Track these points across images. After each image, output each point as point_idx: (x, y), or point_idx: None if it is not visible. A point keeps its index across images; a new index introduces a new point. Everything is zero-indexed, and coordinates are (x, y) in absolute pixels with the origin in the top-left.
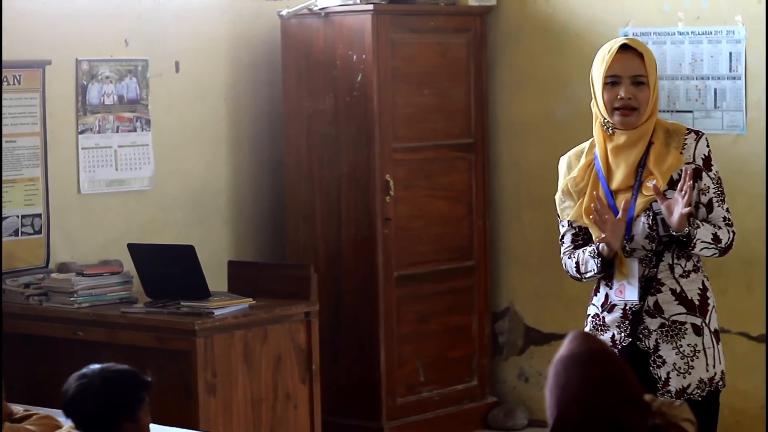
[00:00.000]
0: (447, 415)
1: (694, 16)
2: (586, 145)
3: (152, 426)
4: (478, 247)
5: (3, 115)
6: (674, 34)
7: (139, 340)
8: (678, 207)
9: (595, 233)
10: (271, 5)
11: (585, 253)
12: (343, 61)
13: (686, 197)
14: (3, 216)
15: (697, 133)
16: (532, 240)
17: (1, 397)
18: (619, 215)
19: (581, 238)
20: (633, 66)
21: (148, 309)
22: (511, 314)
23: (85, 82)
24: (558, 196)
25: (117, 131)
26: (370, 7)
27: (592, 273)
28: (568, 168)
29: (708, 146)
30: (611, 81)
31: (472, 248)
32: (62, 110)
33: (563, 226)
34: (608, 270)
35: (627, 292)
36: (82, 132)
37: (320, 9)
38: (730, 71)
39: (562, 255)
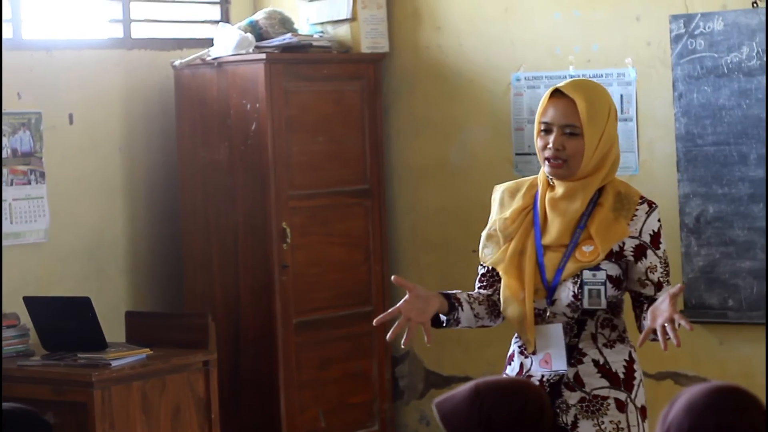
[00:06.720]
0: None
1: (584, 59)
2: (524, 182)
3: None
4: (377, 292)
5: None
6: (566, 77)
7: (37, 393)
8: (660, 319)
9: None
10: (165, 56)
11: None
12: (237, 110)
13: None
14: None
15: (651, 205)
16: (429, 283)
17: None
18: (407, 296)
19: (486, 279)
20: (565, 114)
21: (45, 361)
22: (410, 358)
23: None
24: (483, 236)
25: (11, 184)
26: (263, 56)
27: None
28: (500, 205)
29: (659, 221)
30: (544, 128)
31: (371, 293)
32: None
33: (481, 266)
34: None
35: (554, 362)
36: None
37: (213, 59)
38: (622, 113)
39: None
